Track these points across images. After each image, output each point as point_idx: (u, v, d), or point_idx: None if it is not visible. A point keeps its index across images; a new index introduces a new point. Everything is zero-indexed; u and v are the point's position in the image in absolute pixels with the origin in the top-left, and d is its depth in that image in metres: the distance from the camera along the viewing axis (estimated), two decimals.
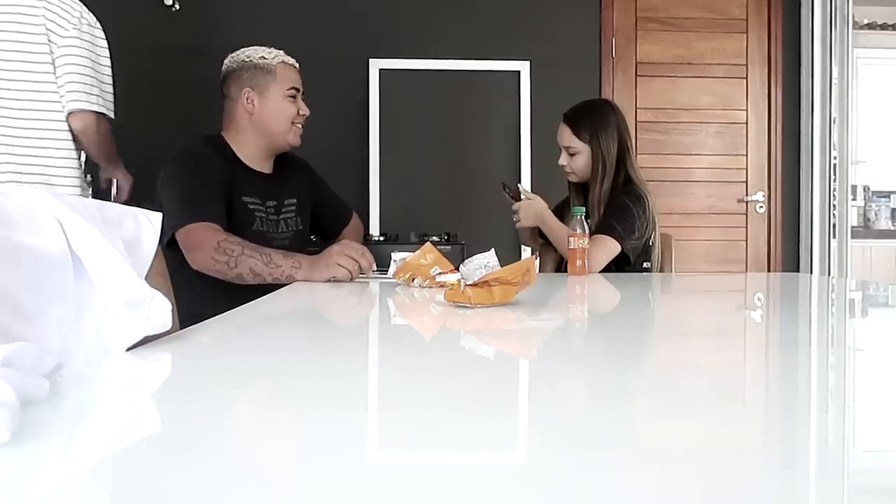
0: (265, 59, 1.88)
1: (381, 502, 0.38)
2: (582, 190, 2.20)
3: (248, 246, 1.66)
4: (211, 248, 1.64)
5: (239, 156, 1.89)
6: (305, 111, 1.93)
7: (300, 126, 1.94)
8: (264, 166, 1.93)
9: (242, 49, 1.92)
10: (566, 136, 2.12)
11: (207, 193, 1.75)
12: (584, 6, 3.44)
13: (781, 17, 3.50)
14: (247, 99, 1.87)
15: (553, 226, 2.04)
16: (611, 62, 3.45)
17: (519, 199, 2.10)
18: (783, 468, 0.44)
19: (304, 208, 2.02)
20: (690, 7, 3.48)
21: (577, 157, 2.11)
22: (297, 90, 1.92)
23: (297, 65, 1.94)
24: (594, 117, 2.12)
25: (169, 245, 1.70)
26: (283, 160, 2.00)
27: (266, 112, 1.88)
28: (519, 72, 3.38)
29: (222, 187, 1.79)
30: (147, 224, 0.89)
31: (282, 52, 1.93)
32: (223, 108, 1.95)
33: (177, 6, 3.26)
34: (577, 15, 3.43)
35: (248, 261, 1.63)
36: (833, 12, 3.36)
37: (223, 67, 1.93)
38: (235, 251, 1.64)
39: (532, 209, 2.06)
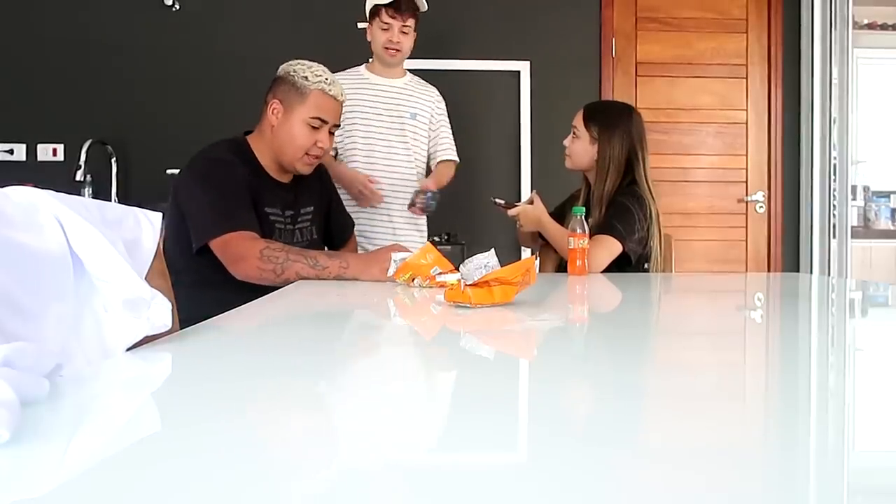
0: (307, 79, 1.81)
1: (381, 502, 0.38)
2: (588, 189, 2.21)
3: (291, 251, 1.65)
4: (255, 259, 1.62)
5: (260, 162, 1.85)
6: (324, 145, 1.85)
7: (315, 157, 1.85)
8: (283, 176, 1.89)
9: (301, 60, 1.86)
10: (577, 118, 2.16)
11: (240, 201, 1.72)
12: (584, 6, 3.44)
13: (781, 17, 3.50)
14: (273, 110, 1.83)
15: (551, 230, 2.05)
16: (611, 62, 3.45)
17: (512, 206, 2.10)
18: (783, 468, 0.43)
19: (319, 216, 2.00)
20: (690, 7, 3.48)
21: (576, 141, 2.14)
22: (323, 122, 1.83)
23: (340, 97, 1.85)
24: (609, 114, 2.16)
25: (198, 251, 1.69)
26: None
27: (283, 131, 1.82)
28: (519, 72, 3.38)
29: (249, 196, 1.77)
30: (147, 224, 0.89)
31: (333, 80, 1.85)
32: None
33: (177, 6, 3.26)
34: (577, 15, 3.43)
35: (294, 265, 1.62)
36: (833, 12, 3.35)
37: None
38: (280, 258, 1.63)
39: (532, 215, 2.08)
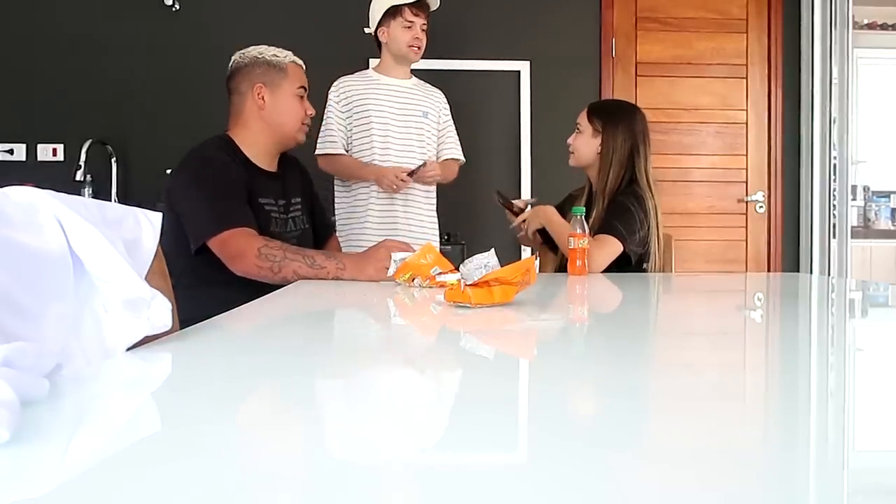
0: (277, 56, 1.90)
1: (381, 502, 0.38)
2: (590, 188, 2.22)
3: (289, 249, 1.67)
4: (253, 256, 1.64)
5: (248, 155, 1.87)
6: (312, 111, 1.96)
7: (307, 125, 1.96)
8: (271, 165, 1.93)
9: (252, 47, 1.93)
10: (581, 115, 2.19)
11: (235, 198, 1.74)
12: (584, 6, 3.44)
13: (781, 17, 3.50)
14: (258, 94, 1.87)
15: (558, 226, 2.05)
16: (611, 62, 3.45)
17: (514, 212, 2.14)
18: (783, 468, 0.43)
19: (307, 206, 2.03)
20: (690, 7, 3.48)
21: (579, 136, 2.17)
22: (305, 89, 1.93)
23: (304, 66, 1.97)
24: (613, 110, 2.20)
25: (197, 251, 1.70)
26: (283, 159, 1.99)
27: (277, 109, 1.88)
28: (519, 72, 3.38)
29: (245, 191, 1.78)
30: (147, 224, 0.89)
31: (290, 52, 1.94)
32: (229, 104, 1.93)
33: (177, 6, 3.26)
34: (577, 15, 3.43)
35: (291, 264, 1.64)
36: (833, 12, 3.35)
37: (231, 64, 1.92)
38: (277, 256, 1.64)
39: (542, 213, 2.10)
